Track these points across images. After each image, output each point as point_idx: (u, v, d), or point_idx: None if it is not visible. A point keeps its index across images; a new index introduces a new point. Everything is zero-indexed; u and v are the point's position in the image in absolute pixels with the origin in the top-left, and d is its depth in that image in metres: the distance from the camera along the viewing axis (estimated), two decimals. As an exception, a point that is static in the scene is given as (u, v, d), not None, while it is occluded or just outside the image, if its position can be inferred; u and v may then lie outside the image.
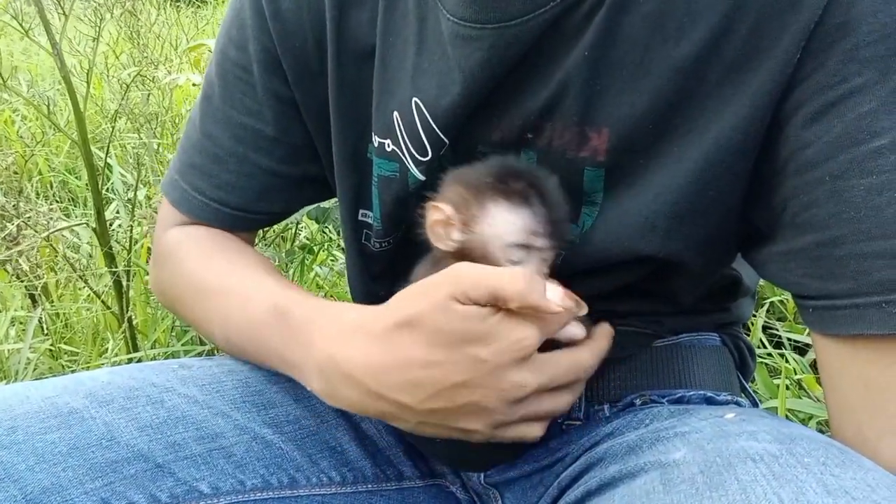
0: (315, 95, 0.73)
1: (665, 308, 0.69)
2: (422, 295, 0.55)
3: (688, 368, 0.70)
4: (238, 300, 0.72)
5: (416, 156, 0.67)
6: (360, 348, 0.57)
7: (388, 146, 0.68)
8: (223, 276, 0.75)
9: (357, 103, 0.71)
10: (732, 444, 0.51)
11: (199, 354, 1.52)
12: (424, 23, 0.65)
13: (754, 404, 0.76)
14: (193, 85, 1.79)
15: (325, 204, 1.37)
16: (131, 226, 1.57)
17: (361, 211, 0.75)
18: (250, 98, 0.75)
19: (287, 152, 0.77)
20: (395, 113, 0.67)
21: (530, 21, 0.58)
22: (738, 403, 0.71)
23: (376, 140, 0.70)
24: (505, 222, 0.57)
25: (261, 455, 0.68)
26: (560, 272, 0.62)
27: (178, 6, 3.53)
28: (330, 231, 1.89)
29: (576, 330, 0.59)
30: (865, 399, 0.54)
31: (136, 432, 0.64)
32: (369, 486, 0.73)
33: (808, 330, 1.44)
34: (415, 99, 0.65)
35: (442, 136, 0.65)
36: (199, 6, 4.35)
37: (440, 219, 0.59)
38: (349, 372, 0.57)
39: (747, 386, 0.78)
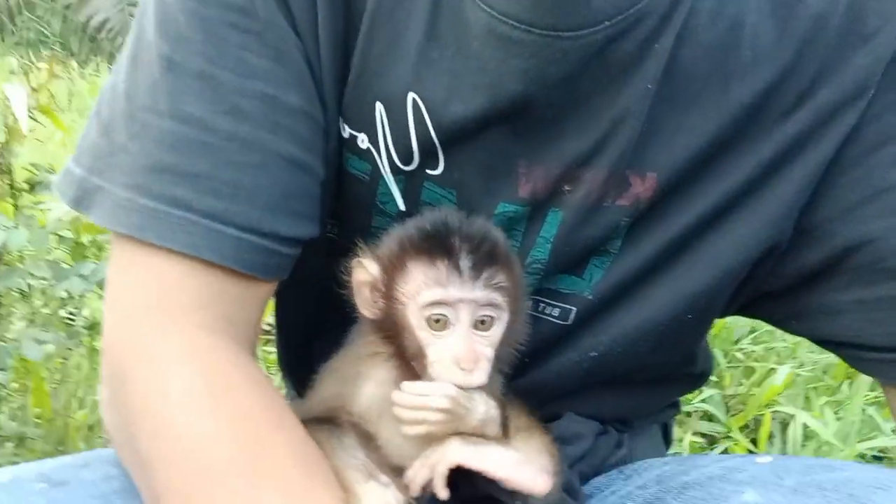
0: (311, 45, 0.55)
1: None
2: None
3: (636, 445, 0.69)
4: None
5: (397, 162, 0.55)
6: None
7: (363, 142, 0.56)
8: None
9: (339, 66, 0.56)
10: (818, 476, 0.47)
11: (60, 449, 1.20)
12: (441, 1, 0.53)
13: None
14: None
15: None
16: None
17: None
18: (255, 51, 0.53)
19: (314, 132, 0.55)
20: (380, 105, 0.55)
21: (583, 38, 0.49)
22: None
23: (346, 130, 0.57)
24: (417, 282, 0.49)
25: None
26: (565, 329, 0.58)
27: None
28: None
29: None
30: None
31: None
32: None
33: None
34: (412, 94, 0.53)
35: (440, 148, 0.54)
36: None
37: (365, 280, 0.52)
38: None
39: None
